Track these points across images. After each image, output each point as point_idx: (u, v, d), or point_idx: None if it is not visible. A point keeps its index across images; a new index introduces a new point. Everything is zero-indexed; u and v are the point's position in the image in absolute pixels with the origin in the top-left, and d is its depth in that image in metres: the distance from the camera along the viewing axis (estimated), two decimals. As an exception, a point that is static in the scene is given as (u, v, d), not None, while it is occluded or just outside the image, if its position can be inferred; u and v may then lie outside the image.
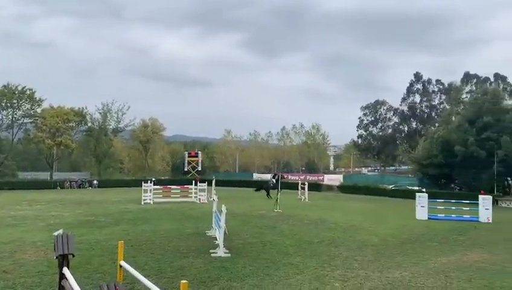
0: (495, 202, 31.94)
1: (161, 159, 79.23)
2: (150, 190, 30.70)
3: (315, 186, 48.23)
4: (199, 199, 31.62)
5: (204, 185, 32.89)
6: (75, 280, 6.17)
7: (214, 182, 32.80)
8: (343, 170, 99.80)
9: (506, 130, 39.33)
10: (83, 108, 70.57)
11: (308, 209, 26.79)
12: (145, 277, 6.43)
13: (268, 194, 35.56)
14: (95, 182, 58.15)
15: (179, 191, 33.12)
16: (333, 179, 59.96)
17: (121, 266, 7.81)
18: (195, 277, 10.22)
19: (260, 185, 41.38)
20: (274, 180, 38.05)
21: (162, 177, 63.64)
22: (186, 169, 64.35)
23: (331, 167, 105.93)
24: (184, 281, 4.97)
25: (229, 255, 12.65)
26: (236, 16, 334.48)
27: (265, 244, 14.62)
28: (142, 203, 29.70)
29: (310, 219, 21.93)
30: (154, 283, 5.98)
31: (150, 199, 30.31)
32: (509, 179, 42.06)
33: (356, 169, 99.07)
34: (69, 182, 56.78)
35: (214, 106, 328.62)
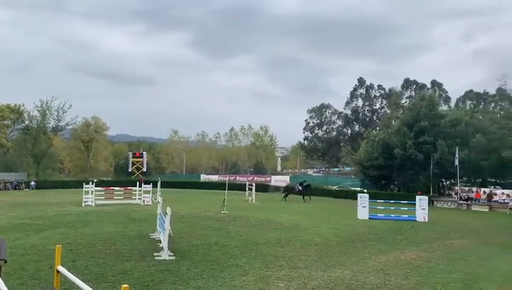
0: (431, 202, 33.80)
1: (104, 159, 76.62)
2: (92, 192, 29.58)
3: (262, 187, 48.67)
4: (143, 200, 30.90)
5: (149, 187, 32.19)
6: (7, 288, 5.81)
7: (159, 183, 32.18)
8: (290, 171, 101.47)
9: (441, 134, 41.74)
10: (19, 105, 66.74)
11: (255, 210, 26.96)
12: (84, 282, 6.17)
13: (303, 197, 38.26)
14: (32, 183, 55.08)
15: (122, 192, 32.18)
16: (280, 180, 60.80)
17: (58, 272, 7.45)
18: (138, 281, 9.97)
19: (290, 189, 41.05)
20: (300, 187, 39.60)
21: (105, 178, 61.55)
22: (130, 170, 62.71)
23: (279, 168, 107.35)
24: (125, 285, 4.84)
25: (173, 257, 12.46)
26: (184, 15, 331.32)
27: (211, 246, 14.55)
28: (83, 205, 28.56)
29: (256, 219, 22.08)
30: (94, 288, 5.76)
31: (92, 201, 29.21)
32: (444, 180, 44.67)
33: (302, 170, 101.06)
34: (3, 183, 53.37)
35: (160, 106, 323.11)
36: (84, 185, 30.14)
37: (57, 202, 31.69)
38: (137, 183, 32.84)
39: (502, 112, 47.78)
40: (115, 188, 33.43)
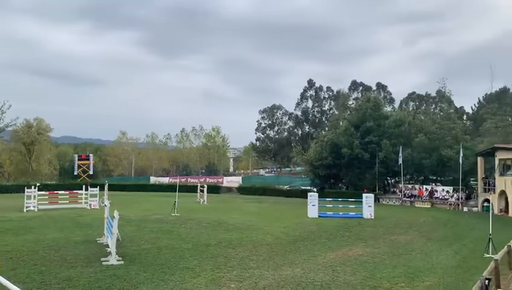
0: (377, 199, 35.09)
1: (48, 162, 73.11)
2: (34, 196, 28.17)
3: (214, 189, 48.48)
4: (90, 204, 29.83)
5: (96, 190, 31.12)
6: None
7: (106, 186, 31.20)
8: (242, 171, 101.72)
9: (386, 134, 43.45)
10: (-48, 105, 62.18)
11: (206, 212, 26.78)
12: (24, 291, 5.87)
13: None
14: (-32, 188, 51.62)
15: (67, 196, 30.91)
16: (232, 181, 60.73)
17: (-5, 282, 7.02)
18: (84, 288, 9.63)
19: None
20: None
21: (49, 182, 58.74)
22: (76, 173, 60.33)
23: (231, 169, 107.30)
24: (68, 293, 4.65)
25: (122, 262, 12.13)
26: (133, 13, 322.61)
27: (161, 250, 14.30)
28: (25, 210, 27.12)
29: (208, 221, 21.94)
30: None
31: (34, 206, 27.82)
32: (388, 178, 46.52)
33: (254, 171, 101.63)
34: None
35: (108, 107, 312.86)
36: (26, 190, 28.64)
37: (-4, 208, 29.87)
38: (84, 186, 31.68)
39: (441, 113, 50.40)
40: (60, 192, 32.08)
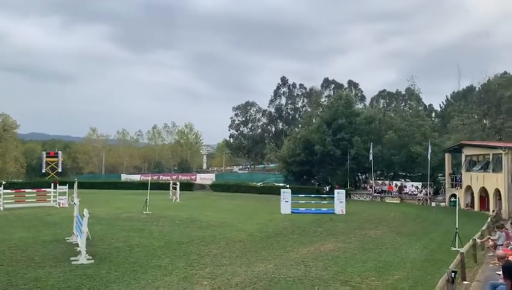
0: (348, 195, 35.58)
1: (14, 159, 70.85)
2: (0, 195, 27.26)
3: (187, 186, 48.03)
4: (59, 203, 29.08)
5: (65, 188, 30.36)
6: None
7: (76, 184, 30.47)
8: (215, 168, 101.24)
9: (357, 131, 44.17)
10: None
11: (179, 210, 26.55)
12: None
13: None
14: None
15: (35, 195, 30.03)
16: (206, 178, 60.35)
17: (-43, 284, 6.78)
18: (53, 288, 9.41)
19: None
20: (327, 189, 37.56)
21: (16, 180, 56.97)
22: (44, 171, 58.69)
23: (204, 166, 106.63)
24: (35, 294, 4.53)
25: (92, 261, 11.90)
26: (103, 7, 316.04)
27: (133, 248, 14.10)
28: (-10, 210, 26.24)
29: (180, 219, 21.77)
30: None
31: (0, 205, 26.94)
32: (359, 174, 47.32)
33: (228, 168, 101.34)
34: None
35: (78, 103, 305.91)
36: (-9, 188, 27.68)
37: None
38: (52, 184, 30.85)
39: (410, 110, 51.57)
40: (27, 190, 31.09)
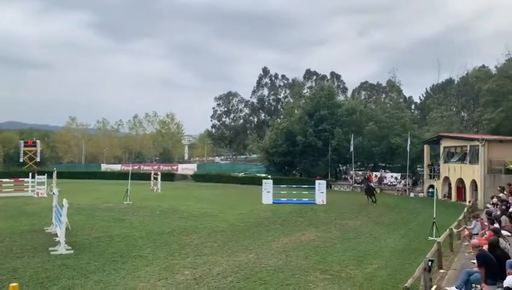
0: (329, 186, 35.97)
1: (-10, 149, 69.24)
2: (-24, 185, 26.68)
3: (169, 176, 47.74)
4: (37, 193, 28.62)
5: (44, 178, 29.86)
6: None
7: (55, 174, 30.05)
8: (197, 159, 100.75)
9: (339, 122, 44.49)
10: None
11: (160, 200, 26.41)
12: (-36, 284, 5.58)
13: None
14: None
15: (12, 184, 29.47)
16: (187, 169, 60.00)
17: None
18: (31, 278, 9.30)
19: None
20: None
21: (-8, 170, 55.79)
22: (22, 160, 57.54)
23: (186, 157, 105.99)
24: (14, 284, 4.48)
25: (71, 251, 11.79)
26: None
27: (113, 238, 14.01)
28: (-35, 200, 25.65)
29: (162, 209, 21.68)
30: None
31: (-24, 195, 26.37)
32: (340, 165, 47.78)
33: (210, 158, 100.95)
34: None
35: (56, 91, 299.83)
36: (-34, 178, 27.03)
37: None
38: (30, 174, 30.30)
39: (391, 102, 52.17)
40: (4, 180, 30.48)
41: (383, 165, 46.02)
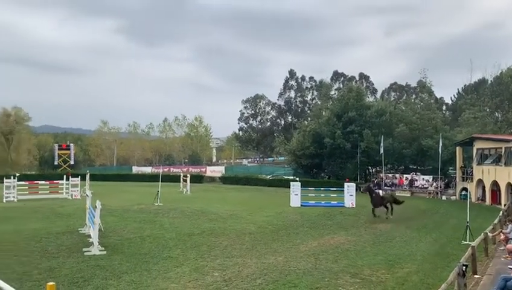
0: (358, 188, 35.44)
1: (27, 152, 71.71)
2: (14, 186, 27.72)
3: (197, 178, 48.28)
4: (71, 194, 29.49)
5: (77, 180, 30.74)
6: None
7: (88, 176, 30.78)
8: (225, 161, 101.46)
9: (368, 124, 43.86)
10: None
11: (189, 202, 26.75)
12: (5, 281, 5.80)
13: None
14: None
15: (48, 186, 30.47)
16: (215, 171, 60.56)
17: (-25, 273, 6.94)
18: (67, 278, 9.58)
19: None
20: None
21: (29, 172, 57.79)
22: (56, 163, 59.39)
23: (214, 159, 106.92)
24: (51, 283, 4.63)
25: (104, 252, 12.08)
26: (112, 0, 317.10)
27: (144, 239, 14.28)
28: (4, 201, 26.69)
29: (191, 211, 21.93)
30: (17, 288, 5.45)
31: (14, 197, 27.40)
32: (370, 167, 47.09)
33: (237, 160, 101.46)
34: None
35: (89, 96, 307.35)
36: (5, 180, 28.15)
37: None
38: (65, 176, 31.24)
39: (421, 103, 51.03)
40: (40, 182, 31.56)
41: (414, 167, 45.06)
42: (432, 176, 38.59)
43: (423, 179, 39.43)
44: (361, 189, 23.74)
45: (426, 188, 38.20)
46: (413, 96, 62.78)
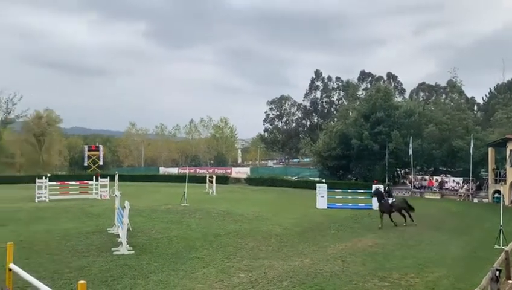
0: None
1: (58, 153, 73.75)
2: (45, 187, 28.52)
3: (223, 179, 48.53)
4: (100, 195, 30.11)
5: (106, 181, 31.39)
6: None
7: (116, 177, 31.43)
8: (250, 162, 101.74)
9: (396, 124, 43.09)
10: (-35, 97, 63.28)
11: (215, 203, 26.91)
12: (38, 279, 5.96)
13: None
14: (-20, 179, 52.23)
15: (78, 187, 31.22)
16: (241, 172, 60.81)
17: (10, 270, 7.15)
18: (96, 277, 9.77)
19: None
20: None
21: (59, 173, 59.41)
22: (86, 164, 60.83)
23: (239, 160, 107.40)
24: (82, 281, 4.71)
25: (133, 252, 12.27)
26: (140, 4, 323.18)
27: (171, 239, 14.43)
28: (36, 201, 27.50)
29: (217, 211, 22.06)
30: (49, 286, 5.58)
31: (45, 197, 28.18)
32: (398, 169, 46.22)
33: (263, 162, 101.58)
34: None
35: (117, 98, 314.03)
36: (37, 180, 28.99)
37: (8, 198, 30.22)
38: (94, 177, 31.94)
39: (452, 103, 49.83)
40: (70, 183, 32.37)
41: (444, 169, 43.97)
42: (462, 178, 37.57)
43: (453, 181, 38.45)
44: (372, 193, 22.51)
45: (457, 190, 37.22)
46: (443, 96, 61.41)
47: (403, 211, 19.79)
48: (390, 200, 19.96)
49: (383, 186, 24.10)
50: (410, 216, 19.72)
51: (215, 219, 19.54)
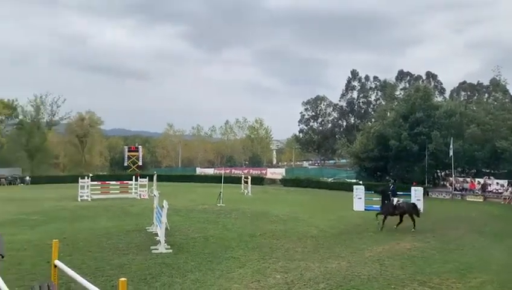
0: (426, 193, 33.94)
1: (99, 154, 76.30)
2: (87, 186, 29.54)
3: (258, 180, 48.71)
4: (140, 194, 30.89)
5: (145, 181, 32.16)
6: (5, 283, 5.82)
7: (155, 177, 32.15)
8: (285, 163, 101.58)
9: (436, 125, 41.87)
10: (13, 100, 66.51)
11: (251, 203, 27.03)
12: (81, 276, 6.19)
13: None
14: (27, 178, 54.68)
15: (118, 186, 32.14)
16: (276, 173, 60.85)
17: (55, 266, 7.46)
18: (136, 274, 10.01)
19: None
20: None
21: (101, 173, 61.42)
22: (126, 164, 62.56)
23: (274, 161, 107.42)
24: (123, 278, 4.86)
25: (170, 251, 12.50)
26: (179, 7, 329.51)
27: (208, 239, 14.60)
28: (79, 200, 28.54)
29: (252, 212, 22.15)
30: (91, 282, 5.78)
31: (87, 196, 29.19)
32: (438, 171, 44.87)
33: (298, 163, 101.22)
34: (-2, 178, 53.01)
35: (155, 100, 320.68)
36: (80, 180, 30.06)
37: (52, 197, 31.60)
38: (134, 177, 32.79)
39: (495, 103, 47.91)
40: (111, 183, 33.38)
41: (487, 171, 42.28)
42: (507, 180, 36.02)
43: (497, 183, 36.94)
44: (377, 190, 20.88)
45: (501, 193, 35.74)
46: (486, 95, 59.13)
47: (407, 215, 18.45)
48: (395, 201, 18.94)
49: (390, 185, 22.21)
50: (413, 221, 18.29)
51: (250, 220, 19.63)
